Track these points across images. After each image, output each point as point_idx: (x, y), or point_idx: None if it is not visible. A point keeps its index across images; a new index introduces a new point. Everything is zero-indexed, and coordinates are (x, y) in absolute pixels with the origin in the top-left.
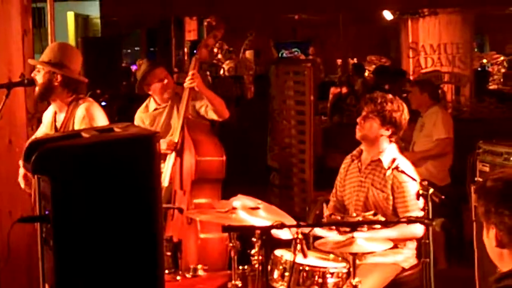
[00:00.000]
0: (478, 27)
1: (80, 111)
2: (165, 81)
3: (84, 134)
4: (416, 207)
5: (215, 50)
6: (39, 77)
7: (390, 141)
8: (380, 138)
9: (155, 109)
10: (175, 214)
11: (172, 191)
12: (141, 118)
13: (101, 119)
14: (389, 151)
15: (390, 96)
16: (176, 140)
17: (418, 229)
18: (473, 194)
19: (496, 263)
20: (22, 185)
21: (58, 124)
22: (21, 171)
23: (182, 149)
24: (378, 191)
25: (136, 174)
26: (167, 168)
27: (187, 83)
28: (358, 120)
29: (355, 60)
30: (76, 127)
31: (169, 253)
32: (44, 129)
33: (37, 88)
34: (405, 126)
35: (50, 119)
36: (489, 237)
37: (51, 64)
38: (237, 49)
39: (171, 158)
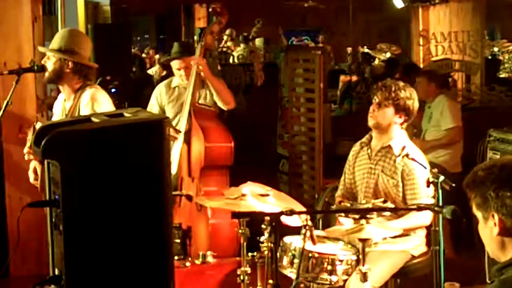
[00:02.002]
0: (489, 15)
1: (85, 96)
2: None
3: (94, 119)
4: (425, 195)
5: (225, 37)
6: (50, 64)
7: (402, 127)
8: (394, 125)
9: (179, 85)
10: (182, 201)
11: (179, 178)
12: (160, 91)
13: (105, 104)
14: (399, 138)
15: (402, 83)
16: (182, 130)
17: (426, 218)
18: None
19: (495, 255)
20: (31, 179)
21: (67, 111)
22: (32, 164)
23: (190, 136)
24: (388, 177)
25: (145, 159)
26: (173, 156)
27: (194, 68)
28: (371, 107)
29: (365, 48)
30: (82, 112)
31: (178, 240)
32: (56, 118)
33: (47, 74)
34: (416, 114)
35: (60, 109)
36: (488, 226)
37: (62, 51)
38: (247, 36)
39: (177, 145)
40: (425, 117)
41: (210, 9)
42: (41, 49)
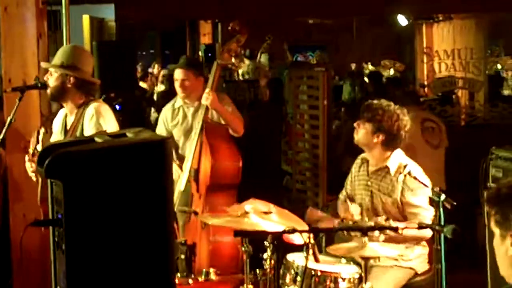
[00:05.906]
0: (492, 32)
1: (89, 111)
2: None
3: (97, 139)
4: (427, 212)
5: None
6: (52, 80)
7: (388, 149)
8: (376, 145)
9: (182, 105)
10: (191, 217)
11: (190, 194)
12: (166, 116)
13: (109, 119)
14: (395, 157)
15: (386, 103)
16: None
17: (427, 231)
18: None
19: (505, 273)
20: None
21: (68, 126)
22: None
23: (200, 153)
24: (386, 196)
25: (148, 179)
26: (184, 172)
27: (203, 100)
28: (354, 125)
29: (369, 65)
30: (85, 126)
31: (183, 256)
32: (55, 137)
33: (49, 90)
34: (401, 135)
35: (60, 124)
36: (505, 244)
37: (63, 66)
38: (252, 52)
39: (189, 162)
40: None
41: (229, 28)
42: (43, 64)
